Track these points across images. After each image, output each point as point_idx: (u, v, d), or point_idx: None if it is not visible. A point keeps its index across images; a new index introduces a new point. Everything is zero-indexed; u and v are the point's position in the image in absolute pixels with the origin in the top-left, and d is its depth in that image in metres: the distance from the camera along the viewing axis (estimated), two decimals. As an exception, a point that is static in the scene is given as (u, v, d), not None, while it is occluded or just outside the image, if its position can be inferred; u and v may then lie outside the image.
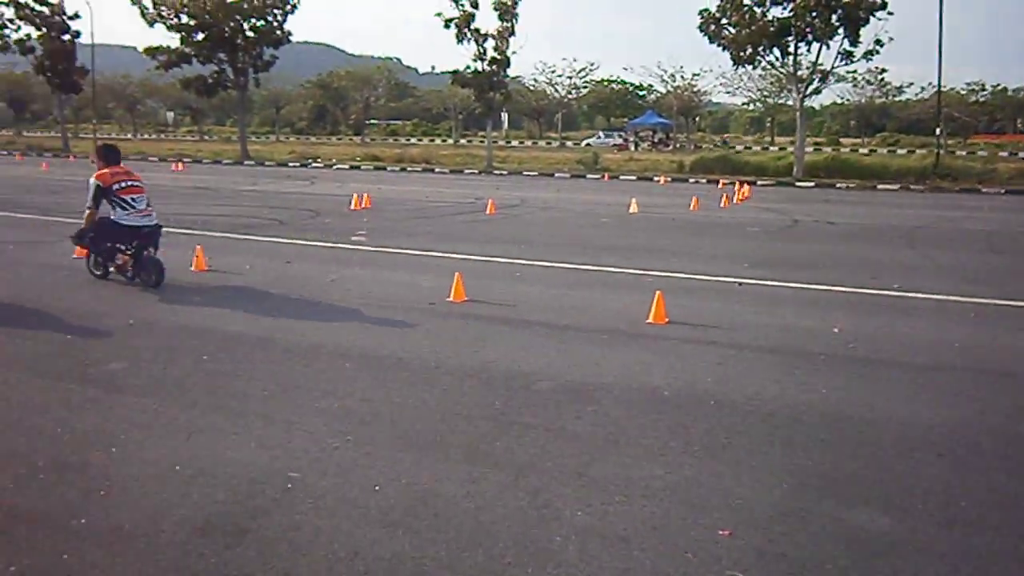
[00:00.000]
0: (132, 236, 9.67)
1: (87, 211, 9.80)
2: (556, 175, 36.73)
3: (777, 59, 32.69)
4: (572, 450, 4.83)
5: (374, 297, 9.15)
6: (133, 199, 9.79)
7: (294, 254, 12.11)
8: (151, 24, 45.03)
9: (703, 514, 4.02)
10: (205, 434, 5.02)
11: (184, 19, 44.72)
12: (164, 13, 44.64)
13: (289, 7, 44.87)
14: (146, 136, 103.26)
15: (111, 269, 9.89)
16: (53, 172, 33.21)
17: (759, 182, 31.19)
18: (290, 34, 46.09)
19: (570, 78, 79.31)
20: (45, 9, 56.77)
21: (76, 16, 58.18)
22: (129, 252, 9.65)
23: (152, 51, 46.34)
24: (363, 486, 4.30)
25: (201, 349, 6.91)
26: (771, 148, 64.07)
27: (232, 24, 44.12)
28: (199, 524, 3.88)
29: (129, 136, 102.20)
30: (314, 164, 42.22)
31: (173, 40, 45.94)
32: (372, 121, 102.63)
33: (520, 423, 5.26)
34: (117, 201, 9.65)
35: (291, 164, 42.52)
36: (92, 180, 9.88)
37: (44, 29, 57.00)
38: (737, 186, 26.92)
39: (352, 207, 18.99)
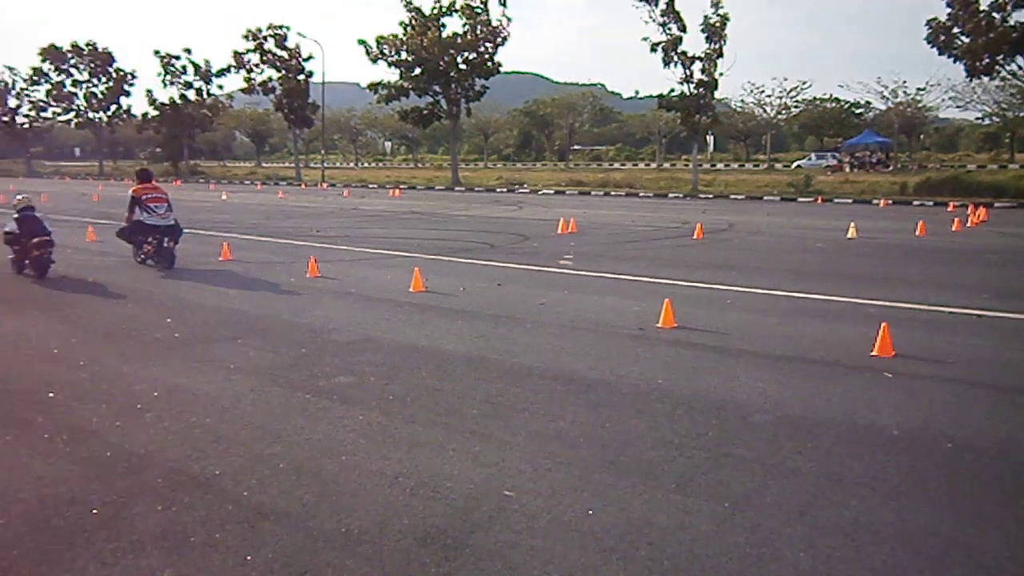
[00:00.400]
0: (153, 232, 13.28)
1: (126, 215, 13.60)
2: (765, 198, 35.46)
3: (1020, 68, 29.78)
4: (792, 487, 4.60)
5: (583, 321, 9.21)
6: (155, 206, 13.29)
7: (504, 277, 12.46)
8: (374, 61, 48.47)
9: (941, 569, 3.68)
10: (425, 448, 5.24)
11: (403, 55, 47.76)
12: (386, 51, 47.96)
13: (500, 40, 46.67)
14: (366, 164, 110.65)
15: (144, 256, 13.62)
16: (288, 199, 36.36)
17: (996, 204, 28.46)
18: (500, 65, 47.89)
19: (780, 98, 76.40)
20: (284, 53, 62.74)
21: (310, 58, 63.84)
22: (151, 243, 13.30)
23: (374, 86, 49.80)
24: (576, 509, 4.32)
25: (420, 366, 7.25)
26: (1010, 166, 58.27)
27: (446, 58, 46.55)
28: (420, 534, 4.05)
29: (352, 165, 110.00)
30: (521, 189, 43.41)
31: (393, 75, 49.22)
32: (576, 147, 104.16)
33: (735, 455, 5.09)
34: (144, 207, 13.23)
35: (499, 189, 43.98)
36: (129, 192, 13.55)
37: (283, 71, 63.01)
38: (971, 208, 24.71)
39: (559, 231, 19.31)
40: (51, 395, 6.33)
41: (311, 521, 4.21)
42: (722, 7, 37.48)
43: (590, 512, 4.28)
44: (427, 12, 47.07)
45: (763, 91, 76.44)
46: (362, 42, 48.49)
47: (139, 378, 6.82)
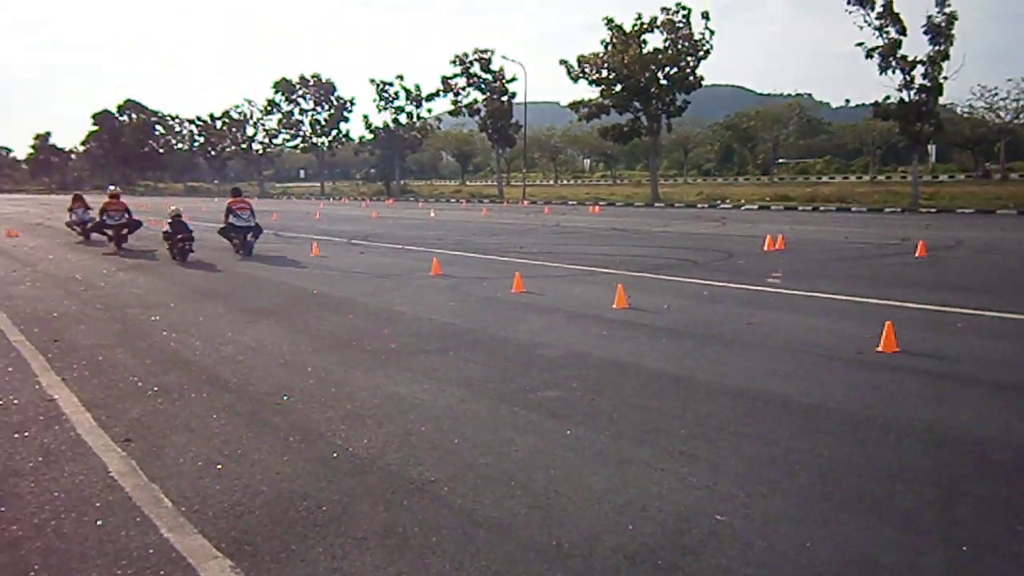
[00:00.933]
0: (239, 231, 19.40)
1: (223, 218, 19.74)
2: (998, 212, 32.34)
3: None
4: (1044, 533, 4.13)
5: (795, 342, 8.79)
6: (241, 213, 19.45)
7: (709, 295, 12.17)
8: (575, 80, 49.17)
9: None
10: (633, 465, 5.20)
11: (604, 73, 48.07)
12: (587, 70, 48.49)
13: (702, 53, 45.84)
14: (565, 182, 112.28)
15: (236, 248, 19.66)
16: (491, 216, 37.58)
17: None
18: (701, 79, 47.02)
19: (1016, 100, 69.34)
20: (489, 76, 65.09)
21: (513, 79, 65.91)
22: (238, 238, 19.47)
23: (575, 105, 50.51)
24: (792, 540, 4.11)
25: (625, 383, 7.22)
26: None
27: (647, 74, 46.33)
28: (630, 553, 4.02)
29: (551, 182, 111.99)
30: (723, 205, 42.31)
31: (593, 93, 49.67)
32: (781, 160, 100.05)
33: (973, 494, 4.64)
34: (234, 214, 19.42)
35: (700, 205, 43.10)
36: (226, 203, 19.97)
37: (488, 93, 65.39)
38: None
39: (765, 248, 18.61)
40: (285, 398, 6.89)
41: (522, 532, 4.29)
42: (949, 5, 34.76)
43: (807, 545, 4.06)
44: (628, 29, 47.13)
45: (995, 94, 69.88)
46: (563, 62, 49.41)
47: (361, 385, 7.27)
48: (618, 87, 47.80)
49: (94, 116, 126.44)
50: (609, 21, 47.81)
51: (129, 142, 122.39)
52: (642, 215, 36.87)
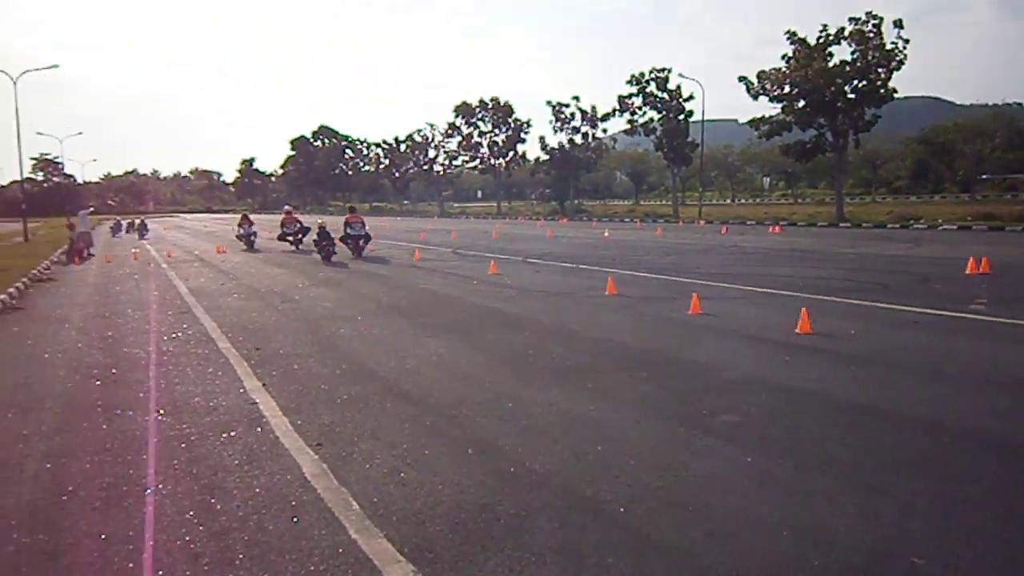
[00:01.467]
0: (353, 239, 25.47)
1: (343, 229, 26.15)
2: None
3: None
4: None
5: (1003, 376, 8.06)
6: (354, 224, 25.83)
7: (901, 321, 11.40)
8: (755, 97, 47.69)
9: None
10: (815, 498, 4.95)
11: (786, 89, 46.33)
12: (767, 86, 46.91)
13: (894, 64, 43.17)
14: (742, 201, 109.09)
15: (352, 252, 25.53)
16: (666, 236, 37.10)
17: None
18: (894, 91, 44.27)
19: None
20: (665, 95, 64.51)
21: (690, 98, 64.82)
22: (352, 244, 25.56)
23: (755, 122, 48.96)
24: (1006, 590, 3.76)
25: (807, 411, 6.88)
26: None
27: (833, 88, 44.20)
28: (818, 591, 3.81)
29: (728, 201, 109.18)
30: (916, 225, 39.54)
31: (774, 109, 47.96)
32: (984, 176, 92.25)
33: None
34: (350, 225, 25.78)
35: (889, 225, 40.50)
36: (345, 218, 26.85)
37: (664, 112, 64.81)
38: None
39: (966, 271, 17.20)
40: (463, 411, 7.09)
41: (699, 559, 4.18)
42: None
43: (1023, 596, 3.70)
44: (812, 42, 45.20)
45: None
46: (743, 79, 48.09)
47: (536, 401, 7.36)
48: (801, 103, 45.88)
49: (292, 142, 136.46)
50: (792, 35, 46.08)
51: (322, 165, 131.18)
52: (826, 236, 35.13)
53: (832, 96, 44.53)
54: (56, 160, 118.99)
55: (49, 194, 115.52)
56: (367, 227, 26.90)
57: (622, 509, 4.83)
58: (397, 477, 5.45)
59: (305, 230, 30.99)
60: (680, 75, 61.91)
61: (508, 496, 5.08)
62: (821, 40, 45.10)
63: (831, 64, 44.52)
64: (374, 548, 4.37)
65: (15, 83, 42.04)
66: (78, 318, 13.70)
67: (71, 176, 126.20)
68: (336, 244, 25.26)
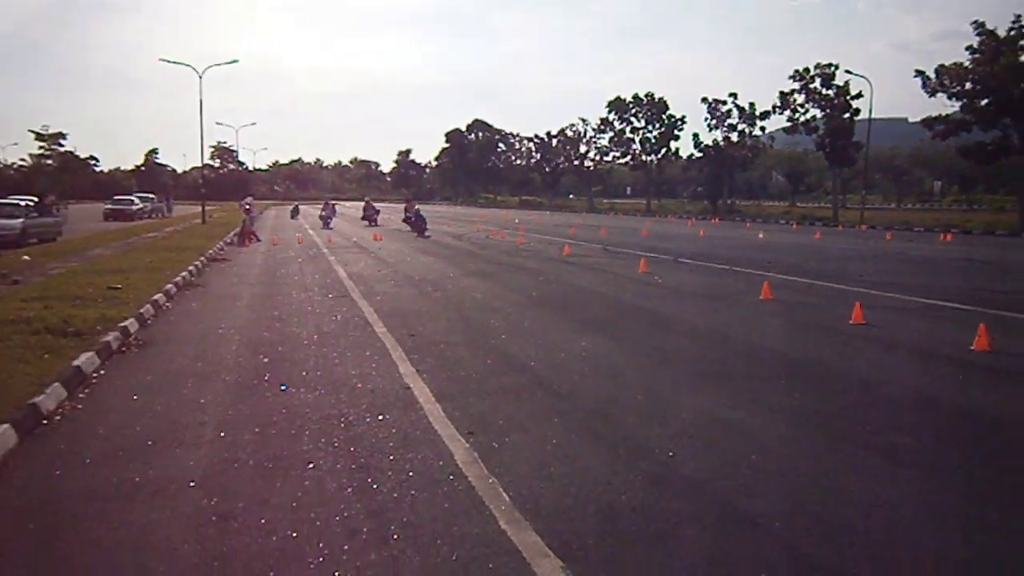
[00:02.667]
0: (415, 223, 35.48)
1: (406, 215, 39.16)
2: None
3: None
4: None
5: None
6: (417, 210, 37.33)
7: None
8: (932, 94, 44.74)
9: None
10: (995, 535, 4.57)
11: (967, 86, 43.17)
12: (947, 83, 43.84)
13: (1096, 60, 39.37)
14: (909, 206, 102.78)
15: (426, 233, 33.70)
16: (826, 240, 35.47)
17: None
18: (1094, 90, 40.37)
19: None
20: (830, 92, 61.58)
21: (858, 95, 61.56)
22: (416, 227, 35.05)
23: (930, 121, 45.91)
24: None
25: (987, 438, 6.41)
26: None
27: (1023, 85, 40.77)
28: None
29: (892, 205, 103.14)
30: (1112, 238, 35.94)
31: (952, 108, 44.81)
32: None
33: None
34: (410, 212, 37.89)
35: (1081, 237, 37.03)
36: (403, 206, 44.33)
37: (828, 110, 61.89)
38: None
39: None
40: (614, 410, 7.02)
41: (865, 585, 3.95)
42: None
43: None
44: (1002, 35, 41.83)
45: None
46: (920, 73, 45.19)
47: (688, 405, 7.19)
48: (985, 101, 42.60)
49: (447, 134, 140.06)
50: (979, 26, 42.78)
51: (474, 158, 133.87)
52: (1006, 246, 32.54)
53: (1021, 94, 41.04)
54: (231, 148, 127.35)
55: (224, 180, 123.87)
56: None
57: (778, 524, 4.64)
58: (547, 471, 5.46)
59: (420, 216, 36.77)
60: (847, 71, 58.65)
61: (659, 501, 4.98)
62: (1012, 32, 41.65)
63: (1022, 59, 41.03)
64: (523, 540, 4.38)
65: (200, 77, 45.24)
66: (248, 296, 14.59)
67: (243, 164, 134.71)
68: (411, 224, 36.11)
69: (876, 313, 12.45)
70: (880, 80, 62.20)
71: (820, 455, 5.91)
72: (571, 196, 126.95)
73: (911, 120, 49.98)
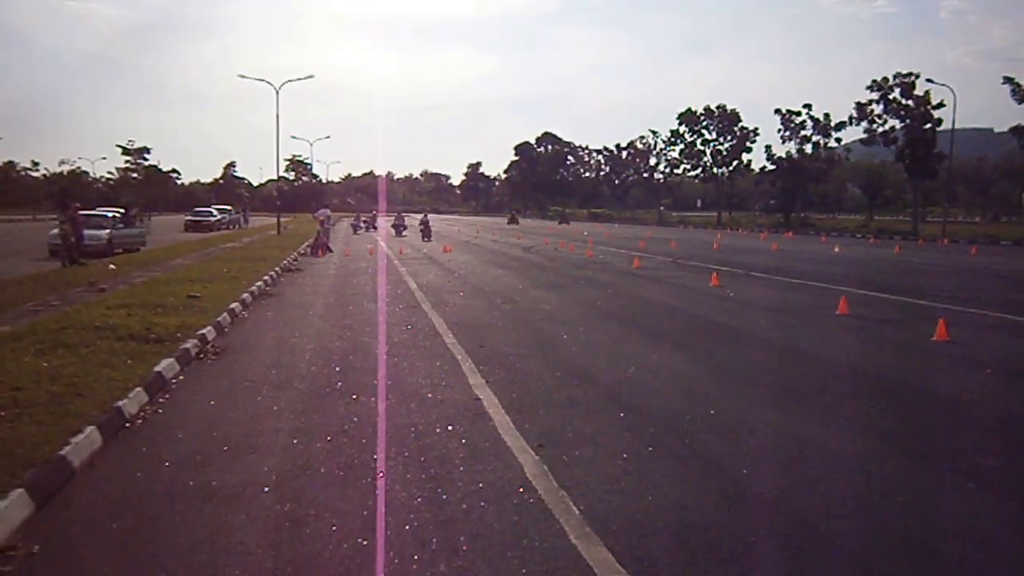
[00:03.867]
0: (396, 227, 48.76)
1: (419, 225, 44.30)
2: None
3: None
4: None
5: None
6: (398, 219, 50.88)
7: None
8: (1022, 102, 43.04)
9: None
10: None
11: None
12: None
13: None
14: (995, 219, 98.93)
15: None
16: (905, 254, 34.39)
17: None
18: None
19: None
20: (911, 102, 59.81)
21: (940, 105, 59.65)
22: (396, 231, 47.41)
23: (1019, 130, 44.22)
24: None
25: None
26: None
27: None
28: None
29: (977, 219, 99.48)
30: None
31: (1043, 118, 43.02)
32: None
33: None
34: (421, 222, 44.29)
35: None
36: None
37: (908, 121, 60.10)
38: None
39: None
40: (685, 425, 6.88)
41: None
42: None
43: None
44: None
45: None
46: (1009, 79, 43.63)
47: (763, 422, 7.02)
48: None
49: (516, 147, 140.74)
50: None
51: (544, 170, 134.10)
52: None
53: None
54: (305, 161, 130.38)
55: (298, 192, 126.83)
56: (405, 220, 51.44)
57: (860, 547, 4.47)
58: (617, 486, 5.38)
59: (427, 222, 43.98)
60: (928, 80, 56.74)
61: (733, 519, 4.85)
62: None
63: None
64: (594, 556, 4.32)
65: (277, 92, 46.51)
66: (321, 306, 14.86)
67: (317, 176, 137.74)
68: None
69: (961, 330, 11.98)
70: (963, 89, 60.40)
71: (903, 476, 5.69)
72: (638, 210, 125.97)
73: (997, 130, 48.11)
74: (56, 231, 23.60)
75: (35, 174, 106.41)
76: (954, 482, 5.59)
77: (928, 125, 60.20)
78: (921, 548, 4.49)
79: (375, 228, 57.39)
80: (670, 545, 4.48)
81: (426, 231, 42.07)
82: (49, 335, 9.67)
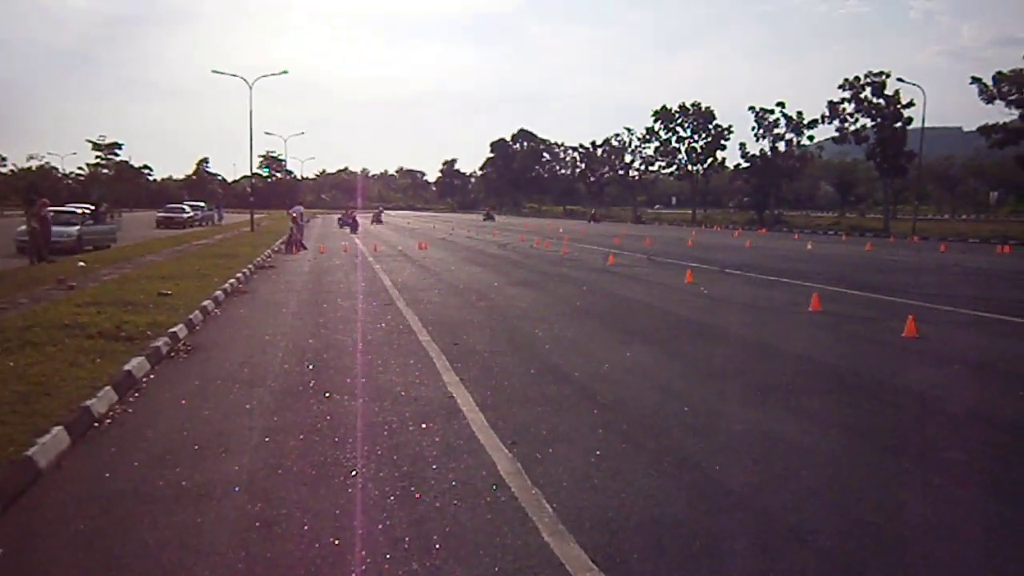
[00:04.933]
0: (352, 224, 49.41)
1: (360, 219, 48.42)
2: None
3: None
4: None
5: None
6: (347, 218, 52.15)
7: None
8: (989, 102, 43.72)
9: None
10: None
11: (1026, 94, 42.13)
12: (1006, 89, 42.80)
13: None
14: (963, 217, 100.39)
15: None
16: (876, 251, 34.78)
17: None
18: None
19: None
20: (882, 101, 60.49)
21: (909, 104, 60.41)
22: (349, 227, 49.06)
23: (987, 130, 44.91)
24: None
25: (1050, 455, 6.15)
26: None
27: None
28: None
29: (946, 216, 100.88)
30: None
31: (1010, 116, 43.73)
32: None
33: None
34: (348, 218, 51.39)
35: None
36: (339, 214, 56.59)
37: (879, 119, 60.79)
38: None
39: None
40: (659, 422, 6.91)
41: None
42: None
43: None
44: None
45: None
46: (977, 80, 44.21)
47: (736, 418, 7.06)
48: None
49: (491, 144, 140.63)
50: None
51: (519, 167, 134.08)
52: (1066, 258, 31.53)
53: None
54: (280, 158, 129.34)
55: (272, 188, 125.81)
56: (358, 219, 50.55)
57: (829, 542, 4.51)
58: (591, 483, 5.39)
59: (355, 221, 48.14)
60: (899, 79, 57.25)
61: (706, 515, 4.88)
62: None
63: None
64: (566, 553, 4.32)
65: (251, 87, 46.09)
66: (294, 304, 14.75)
67: (291, 173, 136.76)
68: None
69: (931, 327, 12.14)
70: (933, 88, 61.25)
71: (873, 471, 5.75)
72: (612, 207, 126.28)
73: (965, 129, 48.86)
74: (23, 228, 23.24)
75: (2, 169, 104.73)
76: (922, 476, 5.66)
77: (898, 124, 60.92)
78: (890, 541, 4.54)
79: (357, 225, 50.16)
80: (642, 542, 4.50)
81: (376, 219, 46.87)
82: (16, 333, 9.52)
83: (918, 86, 73.95)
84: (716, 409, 7.37)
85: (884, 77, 60.89)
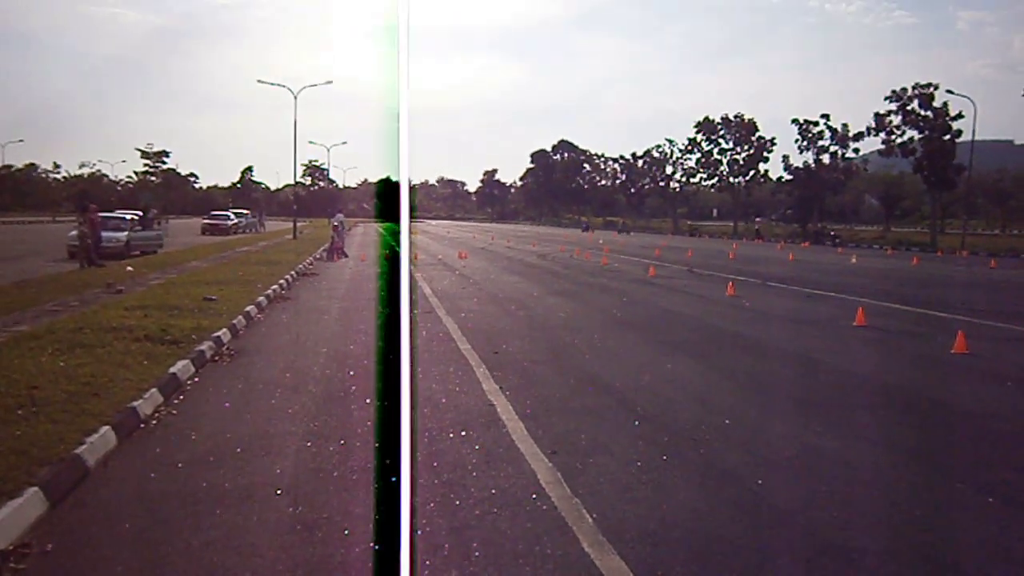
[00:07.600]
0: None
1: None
2: None
3: None
4: None
5: None
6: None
7: None
8: (1041, 116, 42.61)
9: None
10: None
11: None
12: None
13: None
14: (1015, 232, 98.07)
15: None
16: (924, 266, 34.12)
17: None
18: None
19: None
20: (930, 113, 59.44)
21: (958, 116, 59.26)
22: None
23: (1038, 144, 43.75)
24: None
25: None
26: None
27: None
28: None
29: (996, 231, 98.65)
30: None
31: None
32: None
33: None
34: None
35: None
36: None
37: (926, 132, 59.72)
38: None
39: None
40: (700, 435, 6.82)
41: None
42: None
43: None
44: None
45: None
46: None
47: (779, 432, 6.95)
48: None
49: (532, 155, 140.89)
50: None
51: (559, 178, 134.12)
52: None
53: None
54: (322, 167, 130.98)
55: (314, 197, 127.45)
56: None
57: (876, 561, 4.40)
58: (631, 494, 5.34)
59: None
60: (948, 91, 56.14)
61: (748, 530, 4.80)
62: None
63: None
64: (607, 564, 4.28)
65: (296, 97, 46.79)
66: (336, 310, 14.88)
67: (334, 182, 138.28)
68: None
69: (981, 343, 11.84)
70: (984, 101, 59.89)
71: (922, 490, 5.61)
72: (653, 219, 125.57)
73: (1017, 142, 47.75)
74: (75, 233, 23.78)
75: (56, 176, 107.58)
76: (974, 496, 5.50)
77: (947, 136, 59.79)
78: (940, 563, 4.41)
79: None
80: (684, 555, 4.43)
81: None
82: (66, 335, 9.73)
83: (968, 98, 72.47)
84: (758, 423, 7.26)
85: (932, 89, 59.87)
